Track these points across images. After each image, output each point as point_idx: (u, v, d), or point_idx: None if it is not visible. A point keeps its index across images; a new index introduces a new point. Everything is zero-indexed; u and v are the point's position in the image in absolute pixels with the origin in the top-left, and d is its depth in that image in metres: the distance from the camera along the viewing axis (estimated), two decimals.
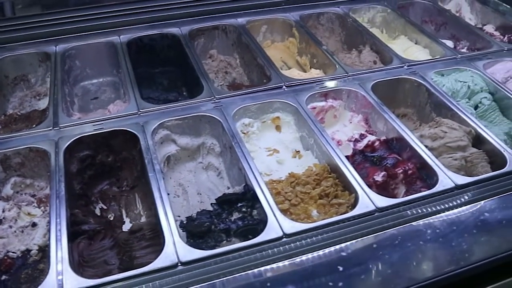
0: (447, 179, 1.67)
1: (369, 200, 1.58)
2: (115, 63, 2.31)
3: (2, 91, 2.24)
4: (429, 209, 1.57)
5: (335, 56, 2.30)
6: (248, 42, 2.40)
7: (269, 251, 1.43)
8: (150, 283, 1.33)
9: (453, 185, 1.65)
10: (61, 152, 1.75)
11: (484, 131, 1.89)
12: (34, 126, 1.93)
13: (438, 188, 1.64)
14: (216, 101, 1.99)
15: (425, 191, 1.67)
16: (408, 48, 2.50)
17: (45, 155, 1.75)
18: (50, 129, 1.84)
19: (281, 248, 1.44)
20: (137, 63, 2.25)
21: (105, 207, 1.84)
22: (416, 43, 2.57)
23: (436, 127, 1.94)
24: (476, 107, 2.13)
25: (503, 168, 1.74)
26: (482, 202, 1.59)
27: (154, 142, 1.85)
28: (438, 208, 1.57)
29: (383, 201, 1.57)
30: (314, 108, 2.06)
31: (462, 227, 1.49)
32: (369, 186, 1.66)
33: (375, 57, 2.38)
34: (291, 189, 1.69)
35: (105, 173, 1.90)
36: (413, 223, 1.50)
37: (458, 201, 1.60)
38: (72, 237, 1.52)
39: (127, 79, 2.09)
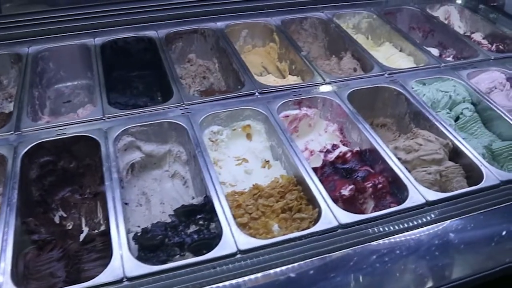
0: (417, 194, 1.59)
1: (332, 215, 1.50)
2: (89, 66, 2.25)
3: None
4: (396, 227, 1.50)
5: (313, 63, 2.23)
6: (225, 46, 2.33)
7: (224, 267, 1.36)
8: None
9: (423, 201, 1.57)
10: (18, 157, 1.69)
11: (462, 144, 1.81)
12: None
13: (407, 204, 1.57)
14: (185, 107, 1.93)
15: (394, 206, 1.61)
16: (392, 55, 2.42)
17: (3, 160, 1.70)
18: (11, 133, 1.78)
19: (235, 264, 1.38)
20: (111, 66, 2.20)
21: (65, 215, 1.78)
22: (400, 51, 2.49)
23: (412, 139, 1.87)
24: (457, 118, 2.05)
25: (479, 183, 1.66)
26: (451, 220, 1.52)
27: (116, 149, 1.80)
28: (405, 225, 1.50)
29: (347, 217, 1.50)
30: (287, 116, 1.99)
31: (424, 248, 1.41)
32: (335, 201, 1.59)
33: (355, 64, 2.30)
34: (253, 202, 1.62)
35: (67, 179, 1.84)
36: (373, 243, 1.43)
37: (427, 219, 1.53)
38: (21, 247, 1.47)
39: (96, 82, 2.03)
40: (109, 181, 1.60)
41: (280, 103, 1.97)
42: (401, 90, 2.08)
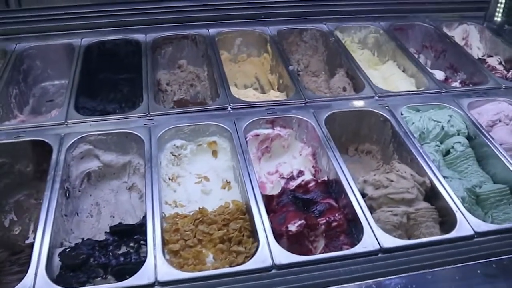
0: (372, 238, 1.42)
1: (268, 253, 1.37)
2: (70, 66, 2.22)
3: None
4: (339, 275, 1.33)
5: (299, 79, 2.08)
6: (211, 55, 2.23)
7: None
8: None
9: (376, 247, 1.40)
10: None
11: (441, 183, 1.61)
12: None
13: (357, 249, 1.41)
14: (149, 118, 1.84)
15: (346, 249, 1.45)
16: (391, 75, 2.22)
17: None
18: None
19: None
20: (91, 69, 2.15)
21: (15, 219, 1.75)
22: (404, 71, 2.28)
23: (388, 172, 1.69)
24: (448, 152, 1.84)
25: (450, 232, 1.47)
26: (404, 275, 1.33)
27: (71, 156, 1.74)
28: (350, 275, 1.34)
29: (283, 257, 1.36)
30: (257, 135, 1.87)
31: None
32: (280, 236, 1.45)
33: (346, 83, 2.13)
34: (192, 228, 1.51)
35: (24, 183, 1.80)
36: None
37: (376, 269, 1.35)
38: None
39: (69, 85, 1.99)
40: (48, 191, 1.55)
41: (250, 121, 1.84)
42: (387, 116, 1.89)
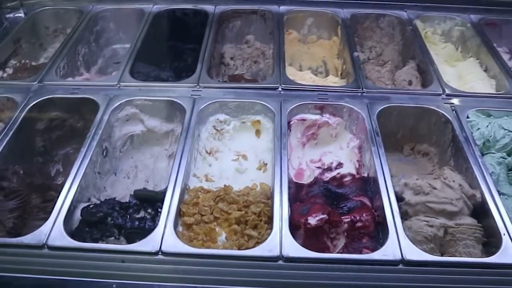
0: (395, 247, 1.29)
1: (278, 243, 1.30)
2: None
3: (40, 40, 2.36)
4: (346, 280, 1.23)
5: (362, 67, 1.94)
6: (275, 32, 2.15)
7: (135, 264, 1.27)
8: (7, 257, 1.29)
9: (398, 257, 1.27)
10: (27, 107, 1.77)
11: (494, 200, 1.42)
12: (28, 77, 1.98)
13: (376, 255, 1.29)
14: (197, 89, 1.83)
15: (367, 253, 1.33)
16: (468, 74, 1.98)
17: (14, 105, 1.79)
18: (34, 83, 1.87)
19: (152, 265, 1.28)
20: (155, 35, 2.18)
21: (61, 170, 1.85)
22: (485, 70, 2.03)
23: (435, 179, 1.52)
24: None
25: (491, 255, 1.29)
26: None
27: (116, 117, 1.79)
28: (354, 282, 1.23)
29: (293, 250, 1.28)
30: (304, 120, 1.77)
31: None
32: (297, 227, 1.37)
33: (414, 77, 1.94)
34: (212, 204, 1.47)
35: (75, 138, 1.88)
36: None
37: (391, 283, 1.23)
38: None
39: (130, 49, 2.04)
40: (84, 147, 1.60)
41: (297, 104, 1.75)
42: (449, 117, 1.70)
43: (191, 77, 1.88)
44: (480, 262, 1.27)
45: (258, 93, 1.83)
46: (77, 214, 1.46)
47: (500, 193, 1.46)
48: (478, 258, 1.31)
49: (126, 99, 1.79)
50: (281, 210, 1.38)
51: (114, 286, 1.21)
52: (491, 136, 1.65)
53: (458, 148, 1.62)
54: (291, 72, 2.00)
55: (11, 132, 1.67)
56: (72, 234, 1.38)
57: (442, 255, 1.37)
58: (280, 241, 1.30)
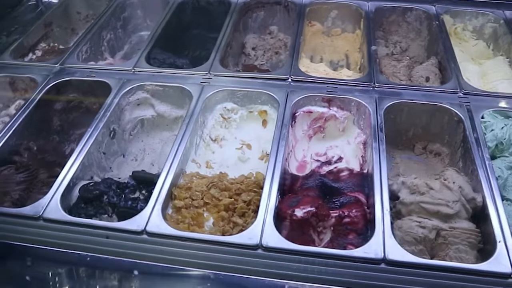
0: (379, 245, 1.25)
1: (259, 231, 1.29)
2: None
3: (72, 25, 2.46)
4: (320, 275, 1.21)
5: (377, 61, 1.88)
6: (296, 23, 2.12)
7: (118, 241, 1.31)
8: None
9: (380, 256, 1.23)
10: (46, 87, 1.86)
11: (495, 205, 1.34)
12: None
13: (357, 252, 1.25)
14: (207, 77, 1.84)
15: (350, 248, 1.30)
16: (492, 73, 1.87)
17: (34, 85, 1.88)
18: (55, 65, 1.96)
19: (135, 243, 1.31)
20: (176, 23, 2.22)
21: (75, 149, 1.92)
22: None
23: (436, 179, 1.45)
24: None
25: (483, 261, 1.22)
26: None
27: (127, 101, 1.84)
28: (330, 277, 1.20)
29: (273, 240, 1.27)
30: (310, 112, 1.74)
31: None
32: (283, 218, 1.36)
33: (432, 73, 1.85)
34: (204, 189, 1.49)
35: (91, 118, 1.95)
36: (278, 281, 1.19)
37: (369, 281, 1.19)
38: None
39: (150, 35, 2.09)
40: (91, 128, 1.66)
41: (304, 95, 1.73)
42: (462, 116, 1.62)
43: (203, 65, 1.90)
44: (467, 268, 1.20)
45: (267, 83, 1.82)
46: (76, 191, 1.53)
47: (504, 199, 1.38)
48: (467, 264, 1.24)
49: (138, 84, 1.84)
50: (269, 200, 1.37)
51: (88, 258, 1.26)
52: (505, 139, 1.56)
53: (467, 149, 1.54)
54: (305, 64, 1.98)
55: (28, 110, 1.76)
56: (69, 210, 1.45)
57: (432, 258, 1.31)
58: (262, 230, 1.29)
